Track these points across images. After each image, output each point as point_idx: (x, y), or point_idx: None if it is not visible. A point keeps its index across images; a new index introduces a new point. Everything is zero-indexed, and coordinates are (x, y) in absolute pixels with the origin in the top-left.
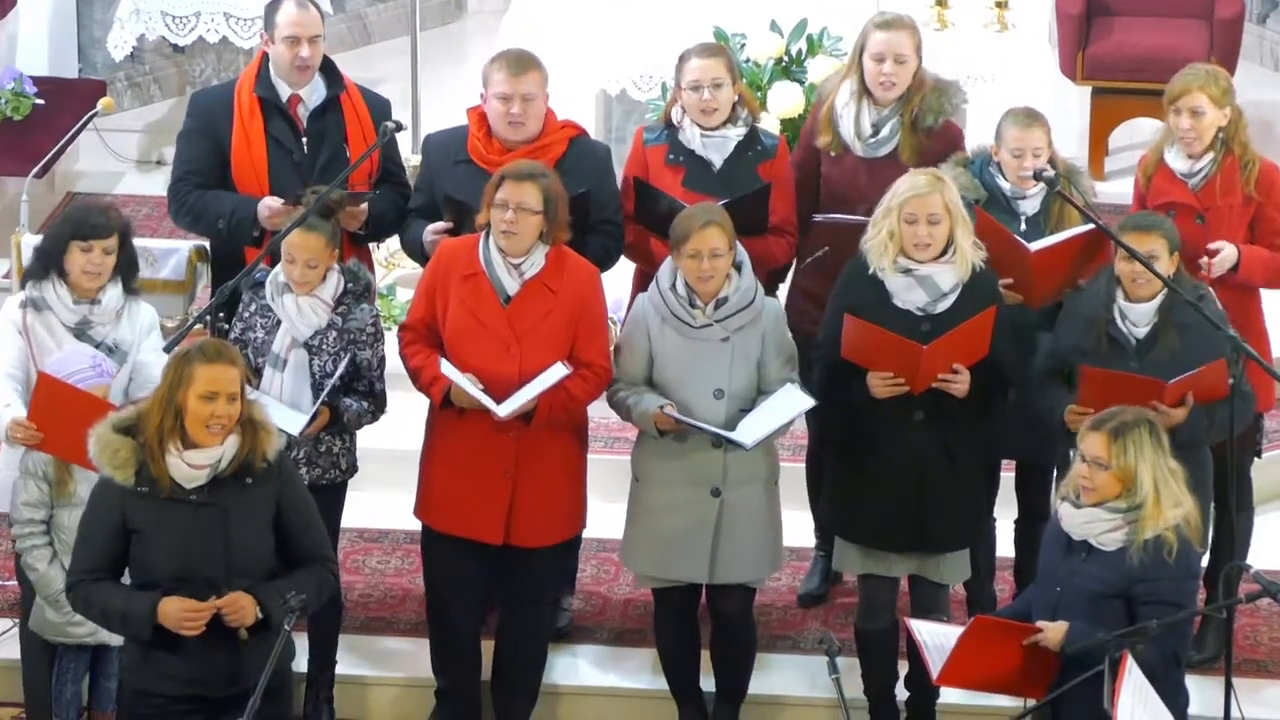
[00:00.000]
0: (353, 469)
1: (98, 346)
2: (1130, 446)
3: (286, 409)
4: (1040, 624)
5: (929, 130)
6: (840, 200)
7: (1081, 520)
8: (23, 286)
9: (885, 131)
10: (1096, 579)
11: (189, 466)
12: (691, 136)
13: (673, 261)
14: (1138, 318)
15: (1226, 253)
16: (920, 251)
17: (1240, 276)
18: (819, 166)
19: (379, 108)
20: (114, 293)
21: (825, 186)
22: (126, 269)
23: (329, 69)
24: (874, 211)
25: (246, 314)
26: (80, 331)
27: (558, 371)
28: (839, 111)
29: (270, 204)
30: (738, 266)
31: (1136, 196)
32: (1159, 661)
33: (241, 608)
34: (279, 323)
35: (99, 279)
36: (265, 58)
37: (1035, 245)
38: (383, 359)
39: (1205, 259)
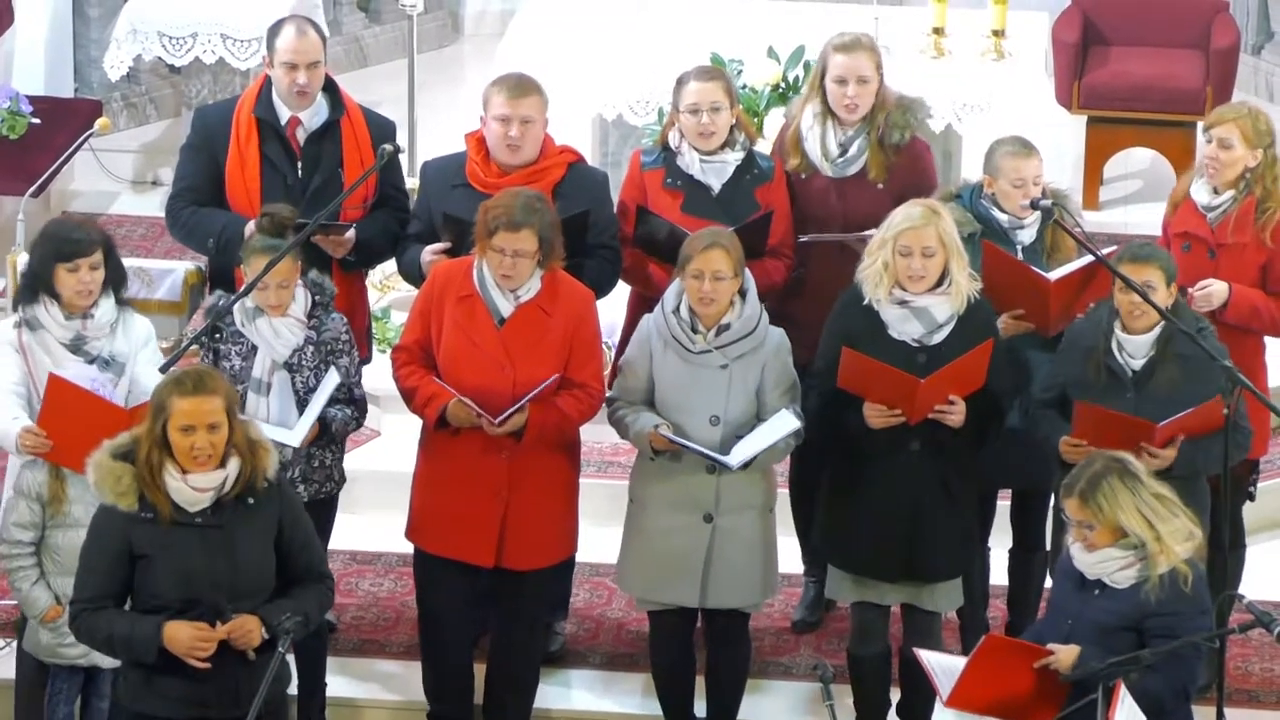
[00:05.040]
0: (343, 479)
1: (94, 360)
2: (1103, 502)
3: (276, 428)
4: (1052, 646)
5: (896, 147)
6: (812, 221)
7: (1094, 560)
8: (14, 309)
9: (853, 150)
10: (1109, 613)
11: (193, 490)
12: (690, 161)
13: (679, 284)
14: (1134, 349)
15: (1214, 289)
16: (915, 283)
17: (1228, 315)
18: (790, 189)
19: (381, 130)
20: (106, 306)
21: (797, 209)
22: (115, 281)
23: (333, 91)
24: (851, 229)
25: (219, 344)
26: (76, 347)
27: (549, 379)
28: (804, 134)
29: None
30: (743, 294)
31: (1164, 225)
32: (1169, 695)
33: (248, 631)
34: (254, 348)
35: (91, 296)
36: (268, 78)
37: (1054, 274)
38: (360, 365)
39: (1190, 291)
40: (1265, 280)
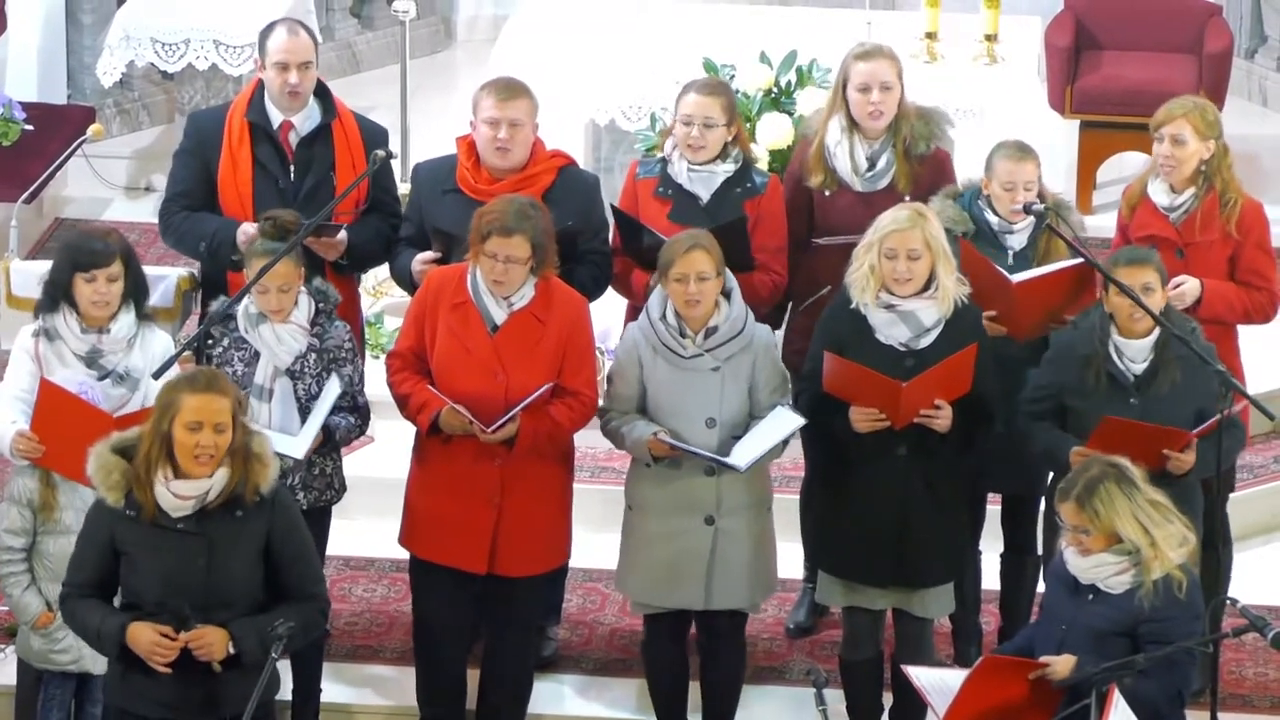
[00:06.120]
0: (343, 488)
1: (108, 375)
2: (1100, 506)
3: (281, 436)
4: (1047, 658)
5: (921, 158)
6: (838, 235)
7: (1088, 565)
8: (36, 318)
9: (881, 164)
10: (1103, 618)
11: (175, 496)
12: (679, 170)
13: (662, 290)
14: (1134, 354)
15: (1187, 287)
16: (900, 286)
17: (1202, 311)
18: (809, 206)
19: (373, 136)
20: (125, 320)
21: (822, 224)
22: (136, 293)
23: (325, 96)
24: None
25: (219, 350)
26: (91, 360)
27: (541, 388)
28: (832, 150)
29: (248, 229)
30: (727, 295)
31: (1119, 227)
32: (1163, 700)
33: (210, 644)
34: (257, 354)
35: (109, 307)
36: (261, 83)
37: (1018, 277)
38: (363, 373)
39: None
40: (1234, 271)
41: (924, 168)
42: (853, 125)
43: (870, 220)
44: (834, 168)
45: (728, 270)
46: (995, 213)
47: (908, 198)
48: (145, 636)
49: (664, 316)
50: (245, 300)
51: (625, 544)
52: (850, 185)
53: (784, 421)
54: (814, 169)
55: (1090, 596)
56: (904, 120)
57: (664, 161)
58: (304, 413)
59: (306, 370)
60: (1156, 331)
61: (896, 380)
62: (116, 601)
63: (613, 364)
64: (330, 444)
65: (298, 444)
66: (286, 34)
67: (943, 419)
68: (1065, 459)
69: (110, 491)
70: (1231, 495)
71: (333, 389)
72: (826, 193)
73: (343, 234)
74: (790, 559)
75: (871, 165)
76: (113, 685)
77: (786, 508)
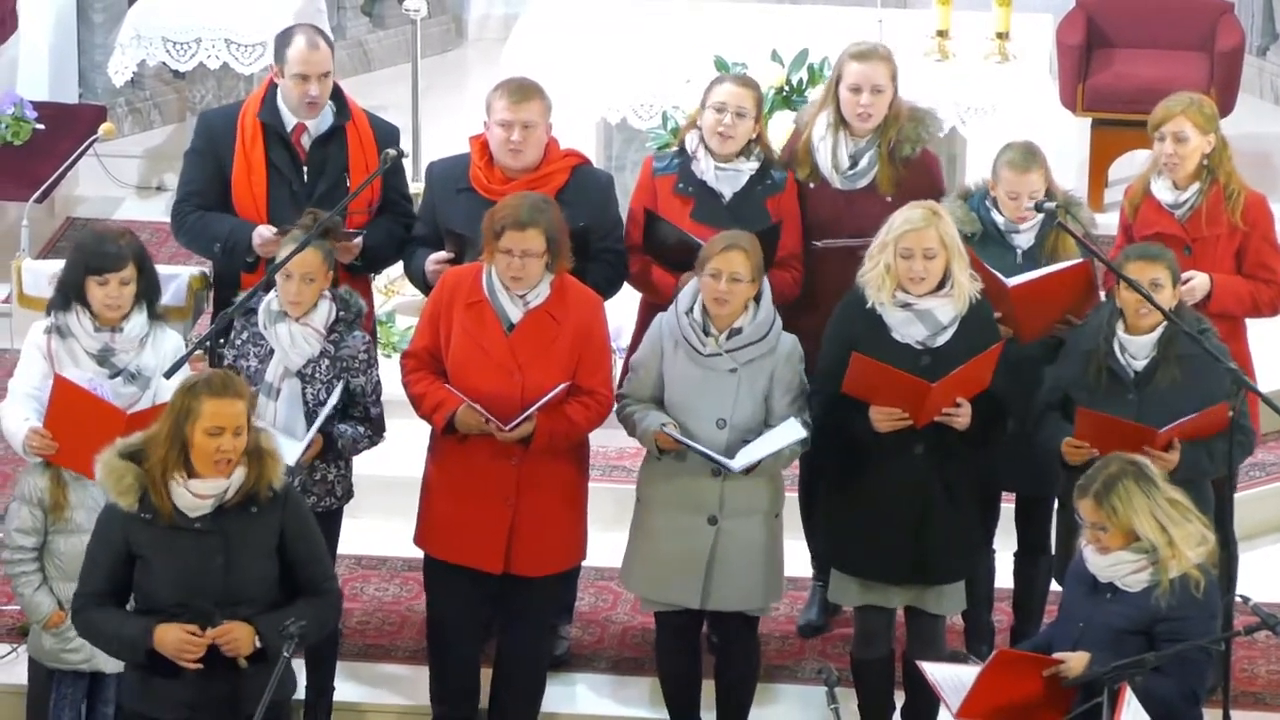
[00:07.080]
0: (348, 495)
1: (119, 373)
2: (1118, 504)
3: (283, 437)
4: (1061, 655)
5: (906, 160)
6: (820, 230)
7: (1107, 564)
8: (47, 315)
9: (863, 163)
10: (1121, 616)
11: (194, 496)
12: (706, 168)
13: (694, 286)
14: (1136, 350)
15: (1197, 282)
16: (916, 285)
17: (1213, 306)
18: (799, 198)
19: (386, 136)
20: (138, 320)
21: (810, 218)
22: (148, 294)
23: (338, 96)
24: (863, 236)
25: (239, 341)
26: (103, 358)
27: (558, 387)
28: (816, 144)
29: (264, 232)
30: (758, 299)
31: (1122, 226)
32: (1178, 699)
33: (237, 639)
34: (272, 351)
35: (120, 309)
36: (274, 83)
37: (1014, 280)
38: (377, 384)
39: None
40: (1241, 264)
41: (908, 171)
42: (840, 122)
43: (851, 217)
44: (816, 162)
45: (765, 279)
46: (1002, 213)
47: (889, 199)
48: (173, 635)
49: (690, 311)
50: (269, 296)
51: (631, 537)
52: (830, 181)
53: (788, 431)
54: (800, 161)
55: (1109, 595)
56: (893, 122)
57: (682, 157)
58: (310, 417)
59: (318, 375)
60: (1161, 329)
61: (925, 381)
62: (129, 608)
63: (636, 352)
64: (334, 453)
65: (290, 453)
66: (306, 45)
67: (963, 417)
68: (1058, 449)
69: (123, 496)
70: (1243, 493)
71: (332, 399)
72: (811, 185)
73: (359, 239)
74: (801, 557)
75: (853, 164)
76: (132, 690)
77: (789, 508)
